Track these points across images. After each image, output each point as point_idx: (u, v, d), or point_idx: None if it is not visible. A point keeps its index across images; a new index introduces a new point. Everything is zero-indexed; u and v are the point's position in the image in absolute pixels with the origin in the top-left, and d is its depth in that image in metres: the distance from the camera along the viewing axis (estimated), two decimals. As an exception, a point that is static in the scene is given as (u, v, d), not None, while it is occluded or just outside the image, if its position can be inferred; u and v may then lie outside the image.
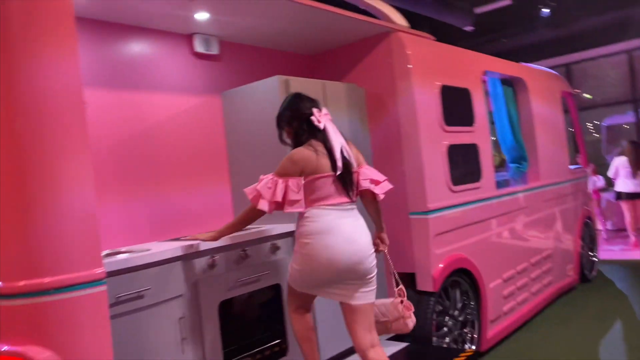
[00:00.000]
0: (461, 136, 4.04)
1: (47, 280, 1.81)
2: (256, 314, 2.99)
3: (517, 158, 5.14)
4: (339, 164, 2.42)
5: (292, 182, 2.39)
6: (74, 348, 1.82)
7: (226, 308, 2.75)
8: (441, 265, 3.64)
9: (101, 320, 1.90)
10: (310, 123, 2.49)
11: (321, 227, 2.39)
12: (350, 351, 3.37)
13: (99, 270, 1.90)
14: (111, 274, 2.22)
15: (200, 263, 2.63)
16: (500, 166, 5.39)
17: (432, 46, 3.98)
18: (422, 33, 3.98)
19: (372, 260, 2.48)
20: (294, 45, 3.91)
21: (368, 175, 2.59)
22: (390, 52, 3.72)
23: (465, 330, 3.90)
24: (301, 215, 2.47)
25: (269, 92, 3.17)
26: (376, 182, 2.61)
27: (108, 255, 2.62)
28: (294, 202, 2.40)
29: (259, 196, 2.42)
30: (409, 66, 3.62)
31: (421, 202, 3.62)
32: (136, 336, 2.31)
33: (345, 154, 2.50)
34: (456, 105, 4.16)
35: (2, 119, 1.81)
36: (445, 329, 3.73)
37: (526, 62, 5.79)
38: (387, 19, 3.82)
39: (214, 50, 3.39)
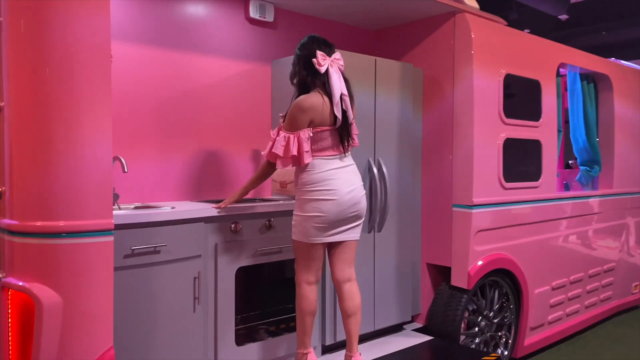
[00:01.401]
0: (523, 130, 3.78)
1: (61, 223, 1.89)
2: (273, 285, 3.00)
3: (589, 161, 4.76)
4: (339, 115, 2.49)
5: (304, 134, 2.44)
6: (77, 293, 1.90)
7: (244, 275, 2.78)
8: (480, 263, 3.47)
9: (106, 269, 1.96)
10: (312, 65, 2.50)
11: (325, 175, 2.48)
12: (368, 336, 3.32)
13: (109, 221, 1.96)
14: (129, 226, 2.30)
15: (223, 227, 2.66)
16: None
17: (502, 31, 3.72)
18: (493, 16, 3.72)
19: (365, 200, 2.64)
20: (354, 19, 3.80)
21: (356, 131, 2.68)
22: (453, 34, 3.52)
23: (500, 334, 3.72)
24: (302, 167, 2.51)
25: (316, 65, 3.10)
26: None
27: (137, 207, 2.72)
28: (307, 152, 2.47)
29: (275, 155, 2.50)
30: (471, 51, 3.41)
31: (466, 195, 3.45)
32: (149, 289, 2.38)
33: (344, 105, 2.51)
34: (521, 97, 3.90)
35: (32, 65, 1.88)
36: (476, 329, 3.57)
37: (625, 59, 5.30)
38: (455, -2, 3.61)
39: (269, 17, 3.37)
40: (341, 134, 2.53)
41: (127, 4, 2.85)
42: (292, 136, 2.45)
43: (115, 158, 2.63)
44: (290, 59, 3.25)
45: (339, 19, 3.79)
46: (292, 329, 2.94)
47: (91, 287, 1.93)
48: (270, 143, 2.52)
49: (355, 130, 2.66)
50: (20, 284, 1.87)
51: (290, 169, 2.67)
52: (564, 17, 7.23)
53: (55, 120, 1.89)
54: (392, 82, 3.39)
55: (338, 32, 3.82)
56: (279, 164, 2.53)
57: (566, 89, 4.76)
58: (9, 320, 1.93)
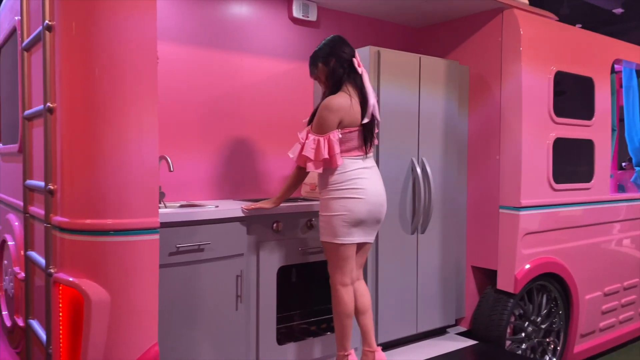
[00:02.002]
0: (574, 130, 3.64)
1: (109, 221, 1.94)
2: (315, 285, 2.99)
3: (646, 162, 4.54)
4: (377, 116, 2.57)
5: (334, 136, 2.44)
6: (124, 289, 1.94)
7: (285, 274, 2.78)
8: (527, 267, 3.36)
9: (151, 266, 2.00)
10: (351, 65, 2.52)
11: (353, 174, 2.48)
12: (410, 339, 3.28)
13: (155, 219, 2.00)
14: (175, 224, 2.34)
15: (265, 226, 2.67)
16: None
17: (552, 27, 3.58)
18: (543, 11, 3.59)
19: (386, 202, 2.63)
20: (398, 17, 3.75)
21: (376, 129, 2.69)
22: (501, 31, 3.42)
23: (548, 340, 3.60)
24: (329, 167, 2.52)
25: (359, 63, 3.07)
26: None
27: (182, 206, 2.77)
28: (337, 155, 2.46)
29: (305, 159, 2.48)
30: (519, 48, 3.30)
31: (514, 197, 3.34)
32: (193, 286, 2.41)
33: (374, 107, 2.55)
34: (573, 95, 3.75)
35: (82, 67, 1.94)
36: (523, 334, 3.46)
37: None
38: (503, -7, 3.50)
39: (312, 16, 3.36)
40: (365, 135, 2.52)
41: (173, 5, 2.90)
42: (322, 139, 2.43)
43: (162, 157, 2.68)
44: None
45: (382, 17, 3.74)
46: (333, 329, 2.93)
47: (137, 284, 1.97)
48: (299, 146, 2.50)
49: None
50: (70, 279, 1.93)
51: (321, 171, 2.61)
52: (618, 10, 6.93)
53: (103, 120, 1.94)
54: (437, 80, 3.32)
55: (382, 30, 3.78)
56: (310, 166, 2.47)
57: (621, 86, 4.56)
58: (60, 314, 2.00)
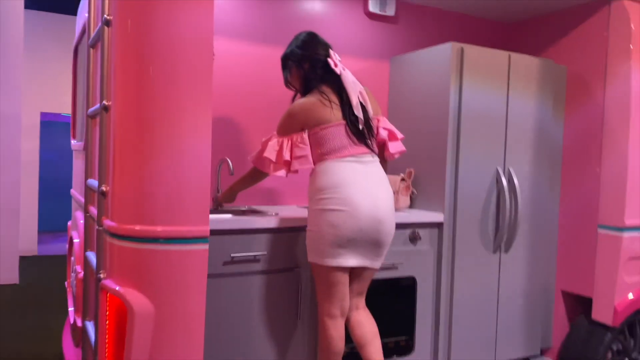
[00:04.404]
0: (693, 140, 3.12)
1: (159, 229, 1.81)
2: (383, 303, 2.74)
3: None
4: (357, 112, 2.12)
5: (297, 137, 2.14)
6: (170, 301, 1.81)
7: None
8: (630, 297, 2.91)
9: (200, 277, 1.85)
10: (326, 67, 2.17)
11: (336, 180, 2.07)
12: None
13: (205, 228, 1.85)
14: (230, 232, 2.19)
15: (329, 238, 2.46)
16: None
17: (670, 20, 3.09)
18: (659, 3, 3.11)
19: (393, 221, 2.16)
20: (485, 11, 3.41)
21: (387, 125, 2.30)
22: (607, 25, 2.99)
23: (652, 382, 3.11)
24: (312, 172, 2.17)
25: (438, 61, 2.79)
26: (392, 136, 2.31)
27: (242, 211, 2.63)
28: (300, 158, 2.13)
29: (265, 161, 2.19)
30: (629, 45, 2.87)
31: (616, 215, 2.91)
32: (247, 299, 2.25)
33: (361, 99, 2.17)
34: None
35: (136, 64, 1.83)
36: (622, 373, 3.02)
37: None
38: (610, -18, 3.07)
39: (390, 11, 3.11)
40: (360, 129, 2.13)
41: (245, 2, 2.77)
42: (285, 139, 2.16)
43: (223, 160, 2.56)
44: (413, 55, 2.99)
45: (468, 12, 3.42)
46: (407, 350, 2.67)
47: (184, 297, 1.83)
48: (260, 148, 2.22)
49: (397, 134, 2.30)
50: (117, 288, 1.82)
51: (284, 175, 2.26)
52: None
53: (155, 120, 1.82)
54: (528, 80, 2.96)
55: (466, 26, 3.45)
56: (271, 169, 2.18)
57: None
58: (107, 322, 1.90)
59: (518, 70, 2.91)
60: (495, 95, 2.85)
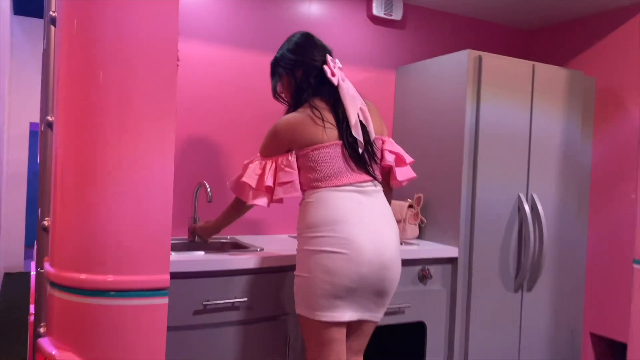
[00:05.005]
0: None
1: (109, 278, 1.45)
2: (387, 353, 2.35)
3: None
4: (356, 132, 1.71)
5: (282, 159, 1.75)
6: (119, 366, 1.44)
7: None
8: (672, 344, 2.52)
9: (157, 337, 1.48)
10: (321, 76, 1.77)
11: (333, 214, 1.67)
12: None
13: (164, 277, 1.48)
14: (202, 274, 1.82)
15: (323, 277, 2.08)
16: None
17: None
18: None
19: (400, 264, 1.76)
20: (503, 16, 3.05)
21: (395, 148, 1.89)
22: (644, 31, 2.63)
23: None
24: (302, 203, 1.77)
25: (453, 71, 2.43)
26: (400, 161, 1.89)
27: (223, 243, 2.26)
28: (285, 184, 1.73)
29: (243, 187, 1.79)
30: (671, 53, 2.51)
31: (656, 249, 2.52)
32: (223, 355, 1.87)
33: (361, 117, 1.76)
34: None
35: (84, 70, 1.47)
36: None
37: None
38: (647, -17, 2.71)
39: (396, 14, 2.75)
40: (357, 153, 1.72)
41: (234, 4, 2.42)
42: (268, 161, 1.78)
43: (200, 184, 2.19)
44: (423, 64, 2.63)
45: (483, 17, 3.06)
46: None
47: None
48: (241, 172, 1.83)
49: (405, 157, 1.88)
50: (53, 352, 1.45)
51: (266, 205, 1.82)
52: None
53: (106, 139, 1.45)
54: (554, 94, 2.59)
55: (481, 32, 3.09)
56: (250, 197, 1.77)
57: None
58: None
59: (543, 82, 2.55)
60: (518, 110, 2.48)
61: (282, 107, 2.05)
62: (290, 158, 1.73)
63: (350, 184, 1.71)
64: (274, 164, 1.76)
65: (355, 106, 1.74)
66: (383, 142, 1.85)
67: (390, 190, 1.91)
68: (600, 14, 2.86)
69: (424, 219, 2.54)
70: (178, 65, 1.55)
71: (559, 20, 3.05)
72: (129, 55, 1.46)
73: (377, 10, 2.70)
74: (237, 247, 2.18)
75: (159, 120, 1.49)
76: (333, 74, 1.77)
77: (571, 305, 2.75)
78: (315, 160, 1.71)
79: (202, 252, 1.92)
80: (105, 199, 1.44)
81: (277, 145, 1.77)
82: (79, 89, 1.47)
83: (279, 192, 1.74)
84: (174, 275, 1.74)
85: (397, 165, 1.86)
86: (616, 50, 2.77)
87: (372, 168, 1.76)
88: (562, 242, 2.64)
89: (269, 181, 1.74)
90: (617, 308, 2.69)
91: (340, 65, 1.82)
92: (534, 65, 2.52)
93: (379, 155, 1.81)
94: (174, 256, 1.83)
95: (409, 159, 1.90)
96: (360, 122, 1.74)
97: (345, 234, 1.64)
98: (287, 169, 1.73)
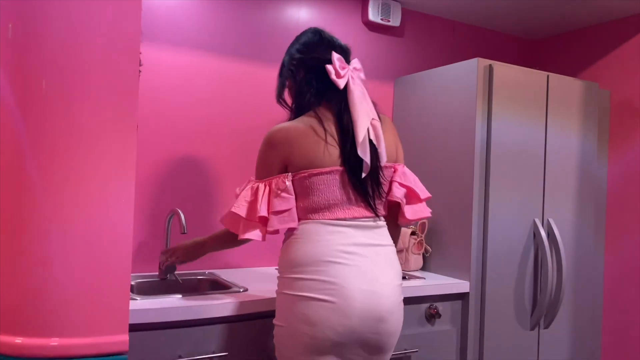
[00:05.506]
0: None
1: (53, 342, 1.14)
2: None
3: None
4: (362, 152, 1.39)
5: (278, 182, 1.43)
6: None
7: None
8: (703, 384, 2.26)
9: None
10: (326, 77, 1.45)
11: (319, 253, 1.37)
12: None
13: (122, 338, 1.17)
14: (173, 324, 1.51)
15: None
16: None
17: None
18: None
19: (401, 315, 1.45)
20: (507, 24, 2.81)
21: (407, 181, 1.54)
22: (665, 40, 2.42)
23: None
24: (286, 235, 1.46)
25: (460, 82, 2.16)
26: (413, 196, 1.55)
27: (200, 280, 1.95)
28: (281, 213, 1.41)
29: (232, 218, 1.47)
30: (695, 62, 2.28)
31: (683, 279, 2.28)
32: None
33: (372, 136, 1.43)
34: None
35: (26, 77, 1.17)
36: None
37: None
38: (665, -12, 2.50)
39: (394, 20, 2.49)
40: (361, 184, 1.42)
41: (217, 6, 2.14)
42: (261, 185, 1.45)
43: (173, 212, 1.88)
44: (425, 75, 2.36)
45: (486, 25, 2.82)
46: None
47: None
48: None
49: (419, 193, 1.55)
50: None
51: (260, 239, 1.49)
52: None
53: (48, 163, 1.16)
54: (570, 108, 2.34)
55: (485, 41, 2.85)
56: (241, 229, 1.45)
57: None
58: None
59: (558, 95, 2.30)
60: (532, 125, 2.23)
61: (269, 122, 1.76)
62: (287, 182, 1.42)
63: (347, 219, 1.42)
64: (267, 188, 1.45)
65: (365, 117, 1.43)
66: (395, 170, 1.53)
67: (397, 227, 1.61)
68: (613, 21, 2.64)
69: (428, 247, 2.26)
70: (140, 71, 1.25)
71: (565, 29, 2.83)
72: (76, 61, 1.17)
73: (374, 16, 2.43)
74: (217, 286, 1.87)
75: (116, 138, 1.20)
76: (339, 75, 1.45)
77: (590, 341, 2.48)
78: (310, 187, 1.41)
79: (175, 297, 1.60)
80: (45, 241, 1.14)
81: (272, 160, 1.44)
82: (19, 102, 1.17)
83: (274, 223, 1.41)
84: (140, 327, 1.44)
85: (408, 203, 1.54)
86: (630, 61, 2.54)
87: (375, 202, 1.45)
88: (579, 272, 2.38)
89: (262, 211, 1.42)
90: (638, 345, 2.43)
91: (358, 66, 1.50)
92: (548, 76, 2.27)
93: (385, 187, 1.49)
94: (139, 303, 1.52)
95: (424, 194, 1.56)
96: (370, 140, 1.44)
97: (332, 278, 1.34)
98: (283, 194, 1.42)
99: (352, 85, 1.45)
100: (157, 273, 1.90)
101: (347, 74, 1.46)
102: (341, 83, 1.44)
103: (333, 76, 1.45)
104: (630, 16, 2.56)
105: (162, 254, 1.80)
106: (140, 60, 1.21)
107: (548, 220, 2.26)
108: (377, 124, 1.46)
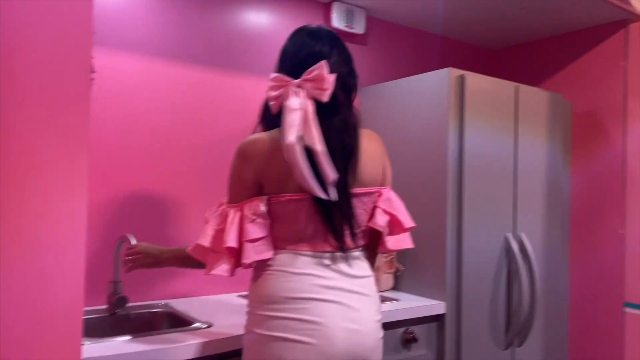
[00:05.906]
0: None
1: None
2: None
3: None
4: (313, 190, 1.20)
5: (250, 207, 1.25)
6: None
7: None
8: (670, 395, 2.26)
9: None
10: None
11: (295, 287, 1.21)
12: None
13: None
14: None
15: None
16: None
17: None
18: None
19: (381, 354, 1.31)
20: (472, 33, 2.77)
21: (392, 207, 1.37)
22: (625, 52, 2.43)
23: None
24: (260, 262, 1.27)
25: (431, 92, 2.07)
26: (397, 225, 1.38)
27: (155, 312, 1.74)
28: (255, 242, 1.23)
29: (197, 249, 1.30)
30: (655, 75, 2.30)
31: (649, 290, 2.28)
32: None
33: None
34: None
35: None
36: None
37: None
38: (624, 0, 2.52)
39: (358, 27, 2.38)
40: (326, 212, 1.24)
41: (171, 10, 1.94)
42: (232, 211, 1.27)
43: (123, 239, 1.67)
44: (393, 85, 2.25)
45: (451, 34, 2.75)
46: None
47: None
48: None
49: (403, 222, 1.38)
50: None
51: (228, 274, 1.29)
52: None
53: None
54: (537, 119, 2.30)
55: (451, 50, 2.80)
56: (209, 264, 1.27)
57: None
58: None
59: (526, 107, 2.25)
60: (502, 137, 2.16)
61: (236, 134, 1.59)
62: (262, 207, 1.24)
63: (325, 251, 1.25)
64: (239, 213, 1.27)
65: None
66: (380, 195, 1.36)
67: (376, 255, 1.47)
68: (574, 32, 2.64)
69: (400, 266, 2.15)
70: (93, 79, 1.06)
71: (526, 39, 2.82)
72: (11, 69, 0.97)
73: (338, 22, 2.31)
74: (175, 321, 1.67)
75: (67, 152, 1.00)
76: (274, 90, 1.27)
77: (560, 354, 2.44)
78: (287, 213, 1.25)
79: (125, 338, 1.40)
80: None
81: (246, 175, 1.25)
82: None
83: (251, 254, 1.22)
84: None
85: (390, 233, 1.37)
86: (594, 71, 2.55)
87: (349, 236, 1.27)
88: (550, 287, 2.33)
89: (231, 241, 1.23)
90: (611, 353, 2.42)
91: (322, 73, 1.24)
92: (517, 87, 2.22)
93: (364, 216, 1.32)
94: (87, 347, 1.30)
95: (408, 223, 1.40)
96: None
97: (314, 317, 1.19)
98: (259, 220, 1.24)
99: (293, 100, 1.23)
100: (105, 306, 1.68)
101: (290, 88, 1.25)
102: (291, 104, 1.23)
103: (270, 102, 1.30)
104: (593, 27, 2.56)
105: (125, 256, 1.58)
106: (92, 66, 1.02)
107: (519, 235, 2.20)
108: (354, 141, 1.29)
